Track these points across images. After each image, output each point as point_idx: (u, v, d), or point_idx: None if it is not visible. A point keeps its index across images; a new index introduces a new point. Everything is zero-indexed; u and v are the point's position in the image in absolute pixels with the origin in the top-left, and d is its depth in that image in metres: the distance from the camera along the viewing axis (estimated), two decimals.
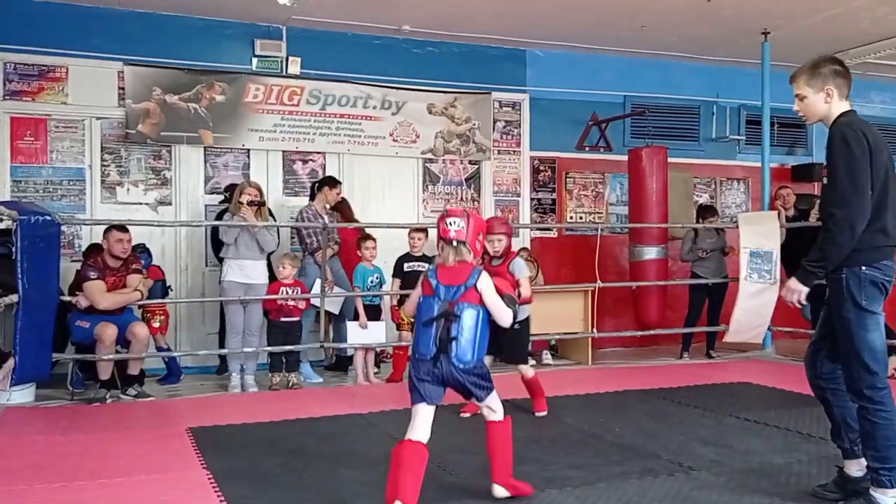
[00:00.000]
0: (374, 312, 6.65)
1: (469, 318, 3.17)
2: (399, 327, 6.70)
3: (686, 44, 8.58)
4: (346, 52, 8.06)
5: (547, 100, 8.88)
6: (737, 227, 7.59)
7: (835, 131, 3.15)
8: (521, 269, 4.93)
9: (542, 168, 8.97)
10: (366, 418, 5.07)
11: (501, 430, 3.36)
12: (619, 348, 8.74)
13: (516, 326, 3.98)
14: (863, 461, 3.17)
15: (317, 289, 6.60)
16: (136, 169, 7.46)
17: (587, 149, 9.09)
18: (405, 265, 6.67)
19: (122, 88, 7.31)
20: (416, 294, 3.39)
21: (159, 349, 6.64)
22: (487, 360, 4.80)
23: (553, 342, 7.93)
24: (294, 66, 7.85)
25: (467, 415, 4.98)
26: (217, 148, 7.67)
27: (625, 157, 8.51)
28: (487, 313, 3.26)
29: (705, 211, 8.08)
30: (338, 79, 8.00)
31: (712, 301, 7.83)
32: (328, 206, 6.96)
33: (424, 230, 6.82)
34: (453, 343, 3.13)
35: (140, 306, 6.49)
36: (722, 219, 8.40)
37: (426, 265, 6.66)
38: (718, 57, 9.04)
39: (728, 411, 5.10)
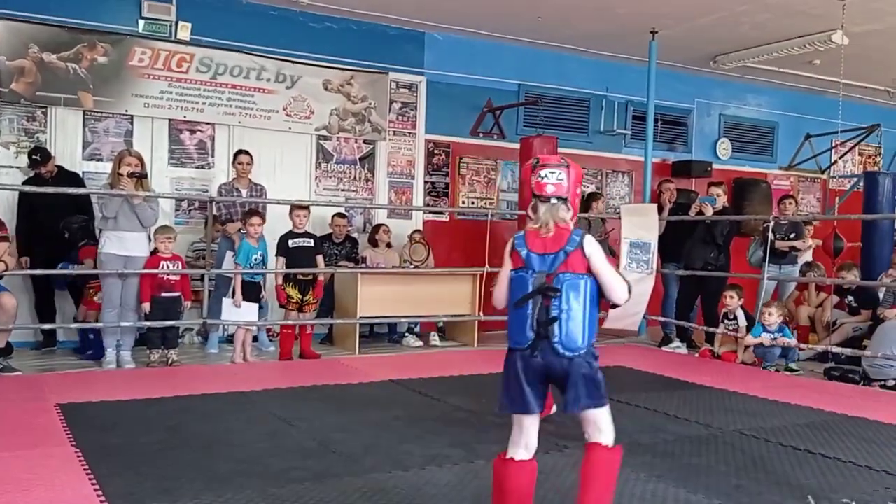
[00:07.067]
0: (254, 291, 6.49)
1: (573, 293, 2.52)
2: (286, 306, 6.60)
3: (580, 38, 8.81)
4: (240, 21, 7.81)
5: (444, 83, 8.92)
6: (619, 217, 7.91)
7: None
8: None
9: (436, 151, 9.02)
10: (247, 396, 4.99)
11: (608, 457, 2.68)
12: (504, 332, 8.89)
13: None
14: None
15: (227, 263, 6.58)
16: (7, 130, 6.99)
17: (481, 135, 9.20)
18: (290, 242, 6.57)
19: None
20: (504, 273, 2.75)
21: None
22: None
23: (441, 324, 8.02)
24: (184, 32, 7.54)
25: None
26: (97, 112, 7.29)
27: (517, 145, 8.67)
28: (597, 287, 2.60)
29: (592, 198, 8.40)
30: (231, 48, 7.74)
31: None
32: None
33: (307, 207, 6.79)
34: (555, 325, 2.51)
35: (85, 282, 6.39)
36: (607, 209, 8.68)
37: (311, 241, 6.61)
38: (609, 52, 9.33)
39: None
